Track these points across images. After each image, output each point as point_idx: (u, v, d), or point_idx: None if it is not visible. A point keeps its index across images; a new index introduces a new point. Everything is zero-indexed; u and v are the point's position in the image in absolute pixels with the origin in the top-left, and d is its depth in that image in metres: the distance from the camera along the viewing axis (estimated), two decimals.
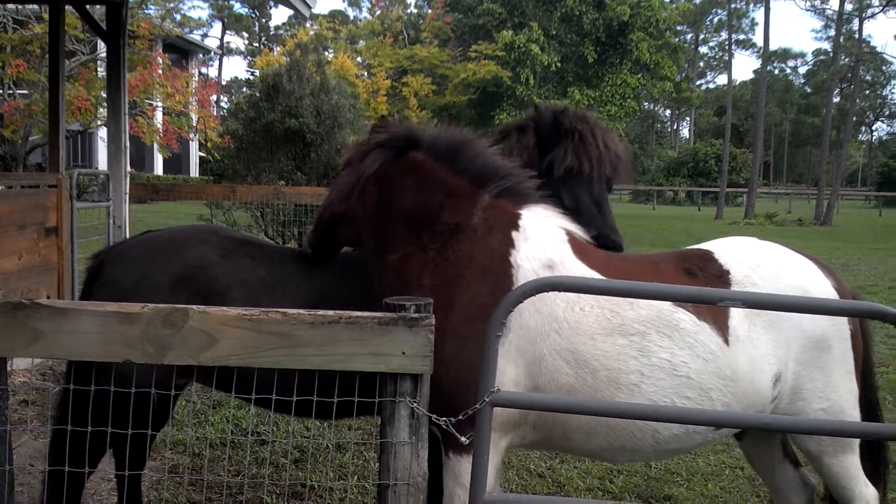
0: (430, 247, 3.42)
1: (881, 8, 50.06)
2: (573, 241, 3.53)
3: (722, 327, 3.33)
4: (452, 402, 3.04)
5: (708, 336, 3.30)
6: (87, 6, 10.09)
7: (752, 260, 3.55)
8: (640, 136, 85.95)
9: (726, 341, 3.31)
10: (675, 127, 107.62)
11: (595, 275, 3.39)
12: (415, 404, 2.84)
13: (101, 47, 19.79)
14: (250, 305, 3.72)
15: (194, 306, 2.85)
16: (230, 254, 4.08)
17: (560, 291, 3.19)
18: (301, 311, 2.81)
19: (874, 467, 3.73)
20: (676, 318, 3.30)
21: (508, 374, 3.22)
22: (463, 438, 3.00)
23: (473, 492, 2.82)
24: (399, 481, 2.86)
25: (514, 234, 3.42)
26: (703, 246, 3.72)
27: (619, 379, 3.24)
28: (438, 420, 2.94)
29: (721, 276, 3.48)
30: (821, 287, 3.51)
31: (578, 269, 3.39)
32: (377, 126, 3.87)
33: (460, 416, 2.94)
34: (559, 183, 4.13)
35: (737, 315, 3.34)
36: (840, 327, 3.44)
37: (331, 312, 2.80)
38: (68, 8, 9.90)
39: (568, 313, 3.28)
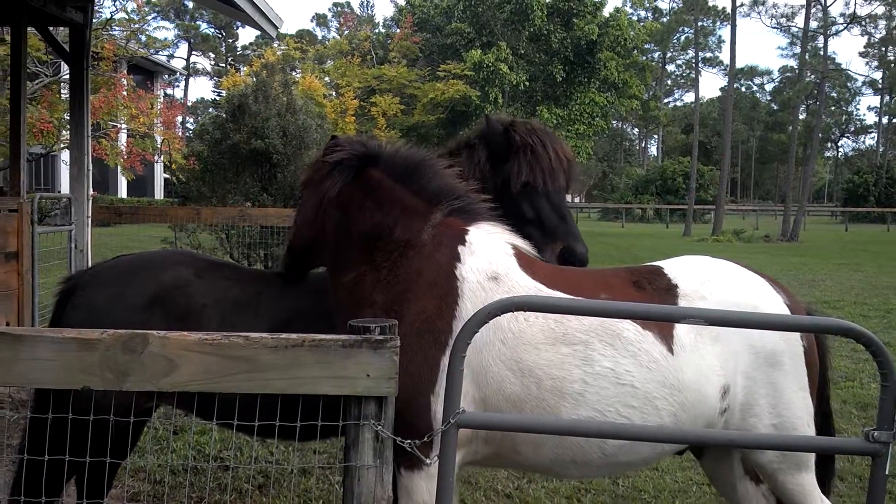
0: (383, 265, 3.47)
1: (845, 25, 51.03)
2: (519, 254, 3.58)
3: (666, 336, 3.35)
4: (401, 416, 3.00)
5: (651, 345, 3.33)
6: (50, 28, 10.00)
7: (701, 275, 3.58)
8: (609, 154, 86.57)
9: (671, 350, 3.34)
10: (643, 145, 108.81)
11: (540, 286, 3.43)
12: (379, 427, 2.80)
13: (65, 69, 19.62)
14: (224, 324, 3.75)
15: (154, 332, 2.81)
16: (206, 274, 4.10)
17: (526, 311, 3.20)
18: (264, 335, 2.77)
19: (821, 478, 3.74)
20: (619, 327, 3.32)
21: None
22: (427, 461, 2.97)
23: None
24: None
25: (460, 248, 3.47)
26: (657, 263, 3.75)
27: (564, 388, 3.25)
28: (403, 443, 2.91)
29: (669, 290, 3.51)
30: (770, 302, 3.53)
31: (523, 281, 3.43)
32: (332, 145, 3.83)
33: (425, 439, 2.92)
34: (518, 197, 4.19)
35: (682, 325, 3.36)
36: (792, 343, 3.46)
37: (294, 336, 2.76)
38: (31, 29, 9.81)
39: (512, 323, 3.29)
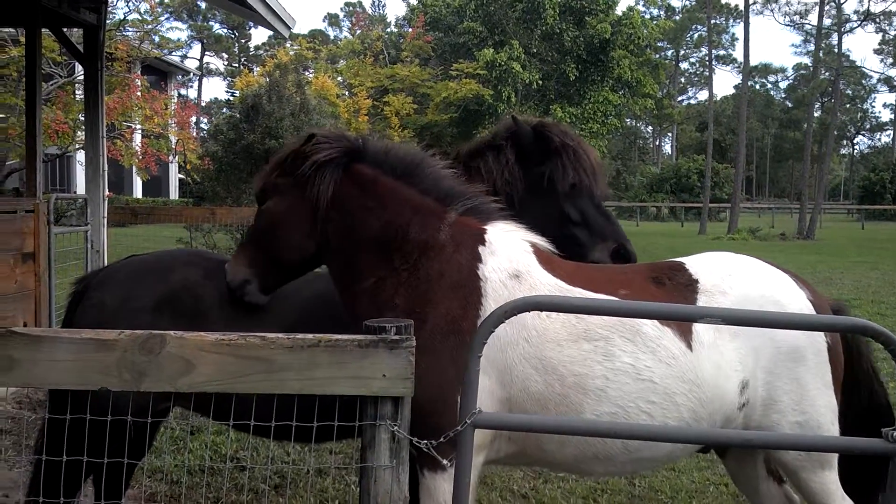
0: (402, 268, 3.43)
1: (859, 23, 50.72)
2: (538, 251, 3.57)
3: (685, 333, 3.35)
4: (427, 419, 3.01)
5: (670, 341, 3.33)
6: (65, 29, 10.06)
7: (723, 270, 3.57)
8: (623, 152, 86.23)
9: (689, 347, 3.34)
10: (657, 143, 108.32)
11: (561, 283, 3.43)
12: (395, 427, 2.80)
13: (79, 70, 19.72)
14: (231, 326, 3.71)
15: (171, 332, 2.81)
16: (215, 275, 4.06)
17: (541, 311, 3.20)
18: (280, 335, 2.78)
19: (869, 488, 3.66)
20: (639, 323, 3.33)
21: (483, 385, 3.20)
22: (444, 461, 2.97)
23: None
24: None
25: (480, 248, 3.46)
26: (679, 259, 3.73)
27: (586, 384, 3.26)
28: (419, 443, 2.90)
29: (689, 285, 3.51)
30: (793, 298, 3.51)
31: (544, 278, 3.43)
32: (314, 141, 3.57)
33: (441, 439, 2.91)
34: (562, 198, 4.23)
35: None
36: (814, 339, 3.44)
37: (310, 336, 2.77)
38: (45, 31, 9.85)
39: (536, 320, 3.29)
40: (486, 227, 3.56)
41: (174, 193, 47.74)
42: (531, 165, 4.28)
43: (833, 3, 48.07)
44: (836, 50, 51.53)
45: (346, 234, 3.52)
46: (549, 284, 3.41)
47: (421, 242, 3.44)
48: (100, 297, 4.08)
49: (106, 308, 3.99)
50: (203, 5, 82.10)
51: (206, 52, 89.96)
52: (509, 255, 3.46)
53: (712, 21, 73.43)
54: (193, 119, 39.52)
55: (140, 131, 25.63)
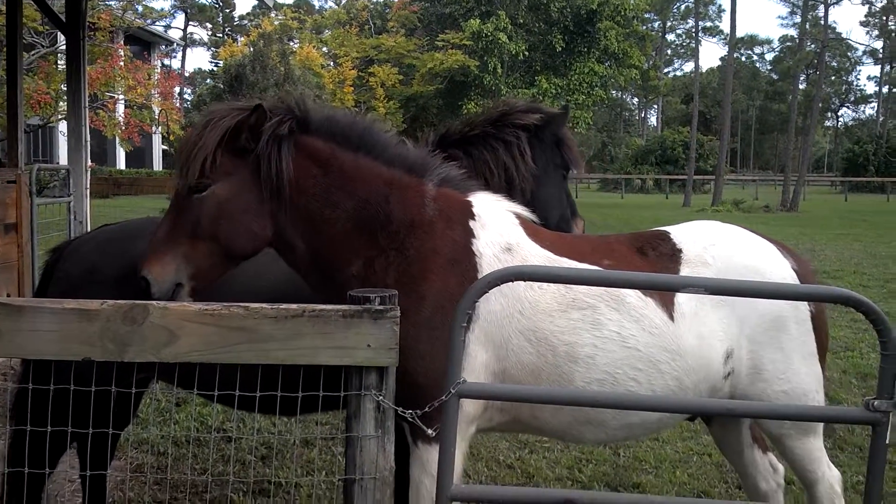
0: (390, 247, 3.32)
1: None
2: (524, 223, 3.58)
3: (667, 303, 3.39)
4: (431, 394, 2.99)
5: (653, 311, 3.37)
6: None
7: (707, 240, 3.59)
8: (608, 124, 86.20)
9: (671, 317, 3.38)
10: (642, 115, 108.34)
11: (550, 254, 3.44)
12: (380, 397, 2.82)
13: (61, 40, 19.50)
14: (199, 298, 3.56)
15: (154, 302, 2.81)
16: None
17: (524, 281, 3.21)
18: (264, 305, 2.78)
19: None
20: (623, 292, 3.36)
21: (480, 359, 3.25)
22: (430, 431, 2.98)
23: (441, 483, 2.80)
24: (366, 475, 2.84)
25: (471, 222, 3.44)
26: (665, 228, 3.74)
27: (576, 352, 3.29)
28: (405, 413, 2.92)
29: (673, 255, 3.53)
30: (776, 267, 3.53)
31: (534, 250, 3.44)
32: (259, 111, 3.18)
33: (426, 409, 2.92)
34: (560, 181, 4.53)
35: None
36: (798, 308, 3.47)
37: (294, 306, 2.77)
38: (27, 0, 9.73)
39: (528, 292, 3.32)
40: (469, 199, 3.53)
41: (158, 164, 47.45)
42: (544, 156, 4.43)
43: None
44: (822, 22, 51.39)
45: (314, 219, 3.30)
46: (539, 256, 3.42)
47: (406, 220, 3.35)
48: (66, 269, 4.03)
49: (72, 280, 3.93)
50: None
51: (190, 22, 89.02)
52: (499, 229, 3.45)
53: None
54: (177, 90, 39.26)
55: (123, 102, 25.44)
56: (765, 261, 3.54)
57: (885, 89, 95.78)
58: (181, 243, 3.22)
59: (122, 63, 23.83)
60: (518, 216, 3.59)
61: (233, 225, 3.23)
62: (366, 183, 3.34)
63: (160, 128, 28.22)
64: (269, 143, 3.19)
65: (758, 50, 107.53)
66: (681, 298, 3.40)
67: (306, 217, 3.30)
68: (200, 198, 3.21)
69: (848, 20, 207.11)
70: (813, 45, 52.37)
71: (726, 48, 57.44)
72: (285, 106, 3.32)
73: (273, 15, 43.61)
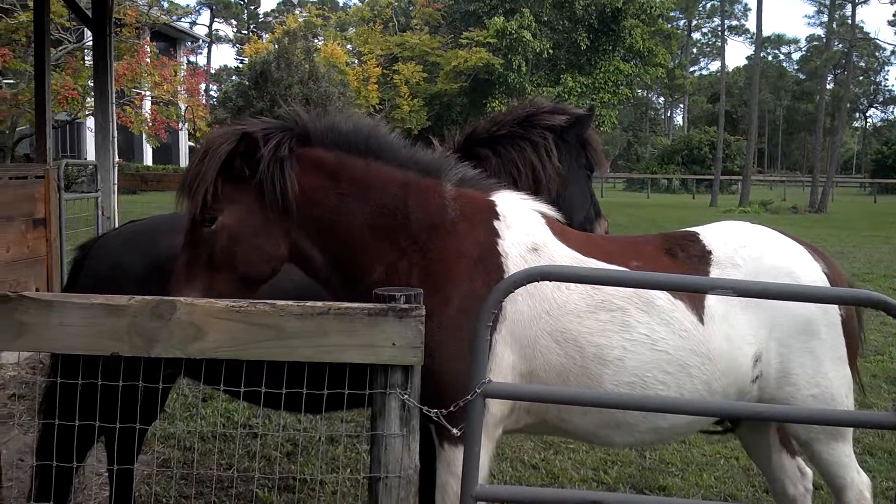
0: (411, 249, 3.28)
1: None
2: (550, 222, 3.55)
3: (697, 307, 3.36)
4: (457, 395, 2.94)
5: (683, 314, 3.33)
6: None
7: (737, 241, 3.55)
8: (634, 123, 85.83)
9: (701, 320, 3.34)
10: (668, 114, 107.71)
11: (577, 255, 3.41)
12: (405, 396, 2.81)
13: (88, 36, 19.64)
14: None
15: (182, 298, 2.82)
16: None
17: (550, 281, 3.19)
18: (290, 302, 2.78)
19: None
20: (652, 294, 3.33)
21: (507, 360, 3.23)
22: (454, 431, 2.96)
23: (465, 483, 2.80)
24: (390, 474, 2.83)
25: (496, 222, 3.41)
26: (694, 229, 3.70)
27: (605, 354, 3.26)
28: (430, 412, 2.91)
29: (703, 257, 3.49)
30: (807, 270, 3.49)
31: (561, 250, 3.41)
32: (251, 133, 3.13)
33: (451, 408, 2.91)
34: (586, 181, 4.56)
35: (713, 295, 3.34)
36: (828, 312, 3.42)
37: (320, 303, 2.77)
38: None
39: (556, 293, 3.29)
40: (493, 198, 3.50)
41: (184, 160, 47.63)
42: (569, 156, 4.44)
43: None
44: (849, 21, 51.05)
45: (329, 230, 3.26)
46: (566, 256, 3.39)
47: (427, 222, 3.31)
48: (93, 265, 4.07)
49: (100, 278, 3.95)
50: None
51: (216, 19, 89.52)
52: (525, 229, 3.42)
53: None
54: (202, 86, 39.34)
55: (149, 98, 25.59)
56: (796, 263, 3.50)
57: None
58: (200, 279, 3.17)
59: (148, 59, 23.97)
60: (544, 215, 3.56)
61: (246, 250, 3.19)
62: (380, 188, 3.30)
63: (186, 124, 28.37)
64: (271, 166, 3.14)
65: (784, 49, 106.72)
66: (710, 301, 3.36)
67: (321, 229, 3.27)
68: (210, 230, 3.17)
69: (876, 19, 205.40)
70: (840, 45, 51.94)
71: (752, 47, 57.05)
72: (281, 124, 3.28)
73: (297, 12, 43.76)
